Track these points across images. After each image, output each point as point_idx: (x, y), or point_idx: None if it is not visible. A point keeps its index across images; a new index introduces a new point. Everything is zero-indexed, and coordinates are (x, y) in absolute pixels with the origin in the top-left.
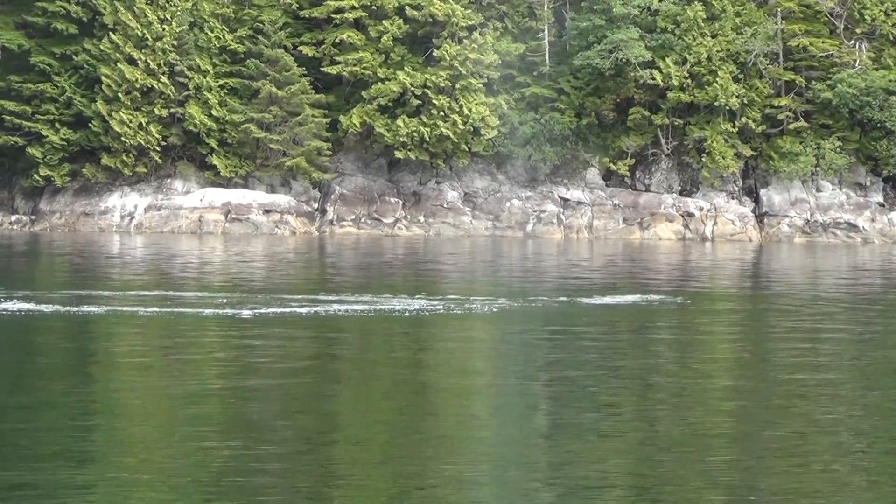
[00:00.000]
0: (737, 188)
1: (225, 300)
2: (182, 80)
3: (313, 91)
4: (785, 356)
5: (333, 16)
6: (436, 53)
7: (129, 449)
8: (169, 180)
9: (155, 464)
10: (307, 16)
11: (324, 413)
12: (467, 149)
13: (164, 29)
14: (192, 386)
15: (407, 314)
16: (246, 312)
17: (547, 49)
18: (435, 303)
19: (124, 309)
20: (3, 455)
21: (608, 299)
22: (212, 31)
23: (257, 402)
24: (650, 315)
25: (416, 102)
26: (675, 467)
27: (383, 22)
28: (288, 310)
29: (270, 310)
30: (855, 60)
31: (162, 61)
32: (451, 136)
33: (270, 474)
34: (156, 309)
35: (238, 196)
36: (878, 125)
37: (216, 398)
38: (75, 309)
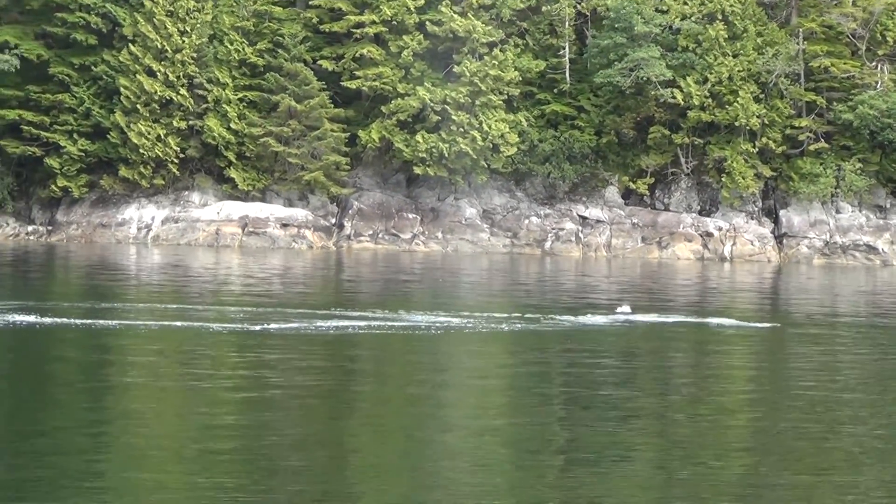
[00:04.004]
0: (756, 208)
1: (241, 315)
2: (201, 92)
3: (332, 105)
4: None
5: (354, 30)
6: (456, 69)
7: (142, 470)
8: (186, 192)
9: (168, 483)
10: (327, 30)
11: (338, 434)
12: (486, 165)
13: (183, 41)
14: (206, 402)
15: (421, 332)
16: (262, 327)
17: (567, 66)
18: (460, 320)
19: (139, 323)
20: (17, 476)
21: (624, 317)
22: (231, 44)
23: (273, 424)
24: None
25: (435, 118)
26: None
27: (403, 37)
28: (304, 325)
29: (287, 325)
30: (876, 82)
31: (181, 73)
32: (470, 152)
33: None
34: (171, 323)
35: (255, 209)
36: None
37: (231, 415)
38: (90, 322)
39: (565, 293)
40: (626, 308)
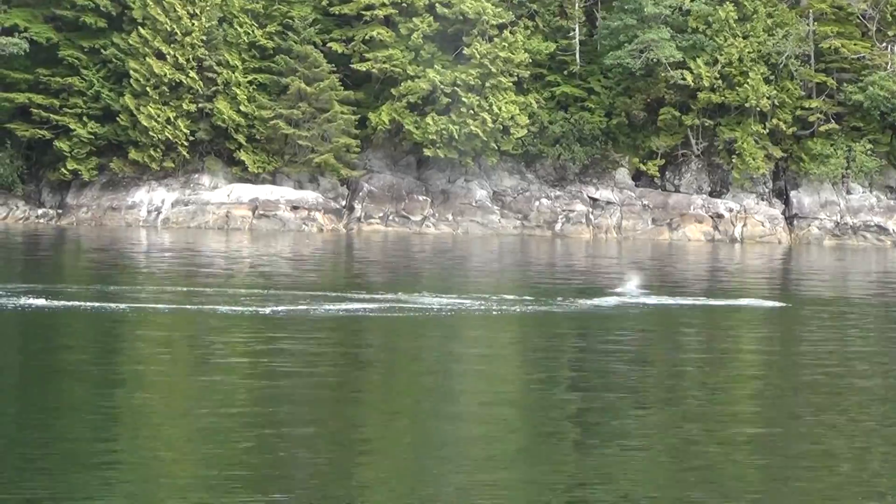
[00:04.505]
0: (767, 190)
1: (252, 297)
2: (211, 75)
3: (342, 88)
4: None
5: (363, 13)
6: (466, 51)
7: (151, 453)
8: (196, 175)
9: (177, 469)
10: (337, 12)
11: (348, 417)
12: (496, 147)
13: (193, 24)
14: (216, 387)
15: (432, 314)
16: (272, 310)
17: (577, 48)
18: (472, 302)
19: (148, 306)
20: (20, 464)
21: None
22: (241, 27)
23: (282, 406)
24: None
25: (445, 100)
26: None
27: (413, 19)
28: (314, 308)
29: (297, 308)
30: (886, 63)
31: (191, 56)
32: (481, 134)
33: (295, 484)
34: (180, 306)
35: (266, 192)
36: None
37: (240, 400)
38: (100, 305)
39: (577, 275)
40: (634, 281)
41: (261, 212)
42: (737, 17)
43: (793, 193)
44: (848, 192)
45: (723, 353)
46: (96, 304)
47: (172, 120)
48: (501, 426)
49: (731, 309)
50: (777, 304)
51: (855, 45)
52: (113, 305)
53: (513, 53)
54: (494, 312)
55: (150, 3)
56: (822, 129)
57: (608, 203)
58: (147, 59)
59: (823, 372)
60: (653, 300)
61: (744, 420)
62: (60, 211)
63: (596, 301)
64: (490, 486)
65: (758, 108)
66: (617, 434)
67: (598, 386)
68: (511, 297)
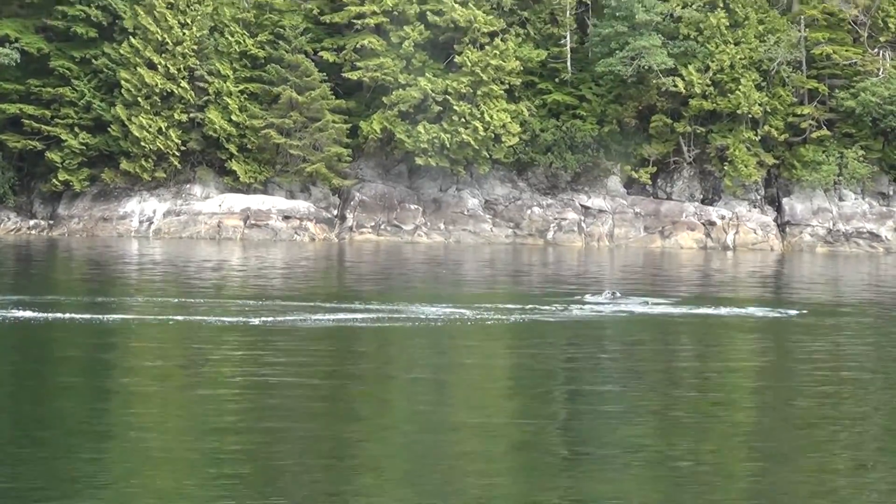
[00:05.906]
0: (759, 197)
1: (245, 308)
2: (202, 84)
3: (334, 97)
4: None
5: (354, 21)
6: (457, 59)
7: (139, 465)
8: (188, 185)
9: (170, 486)
10: (328, 21)
11: (341, 431)
12: (488, 155)
13: (184, 33)
14: (207, 398)
15: (422, 324)
16: (262, 321)
17: (569, 55)
18: (467, 312)
19: (142, 317)
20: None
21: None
22: (232, 36)
23: (273, 419)
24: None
25: (436, 109)
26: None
27: (404, 28)
28: (305, 318)
29: (288, 318)
30: (878, 69)
31: (182, 66)
32: (472, 142)
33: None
34: (171, 317)
35: (257, 202)
36: None
37: (233, 413)
38: (91, 316)
39: (571, 283)
40: (608, 294)
41: (252, 222)
42: (728, 24)
43: (785, 200)
44: (840, 199)
45: (728, 362)
46: (86, 316)
47: (164, 130)
48: (496, 439)
49: (747, 317)
50: (791, 311)
51: (847, 51)
52: (102, 317)
53: (504, 61)
54: (489, 322)
55: (141, 12)
56: (814, 135)
57: (600, 211)
58: (138, 68)
59: (825, 383)
60: (652, 310)
61: (739, 431)
62: (52, 222)
63: (598, 308)
64: (484, 499)
65: (749, 115)
66: (613, 444)
67: (596, 395)
68: (505, 305)
